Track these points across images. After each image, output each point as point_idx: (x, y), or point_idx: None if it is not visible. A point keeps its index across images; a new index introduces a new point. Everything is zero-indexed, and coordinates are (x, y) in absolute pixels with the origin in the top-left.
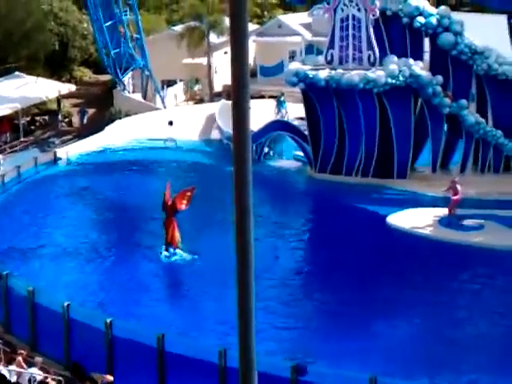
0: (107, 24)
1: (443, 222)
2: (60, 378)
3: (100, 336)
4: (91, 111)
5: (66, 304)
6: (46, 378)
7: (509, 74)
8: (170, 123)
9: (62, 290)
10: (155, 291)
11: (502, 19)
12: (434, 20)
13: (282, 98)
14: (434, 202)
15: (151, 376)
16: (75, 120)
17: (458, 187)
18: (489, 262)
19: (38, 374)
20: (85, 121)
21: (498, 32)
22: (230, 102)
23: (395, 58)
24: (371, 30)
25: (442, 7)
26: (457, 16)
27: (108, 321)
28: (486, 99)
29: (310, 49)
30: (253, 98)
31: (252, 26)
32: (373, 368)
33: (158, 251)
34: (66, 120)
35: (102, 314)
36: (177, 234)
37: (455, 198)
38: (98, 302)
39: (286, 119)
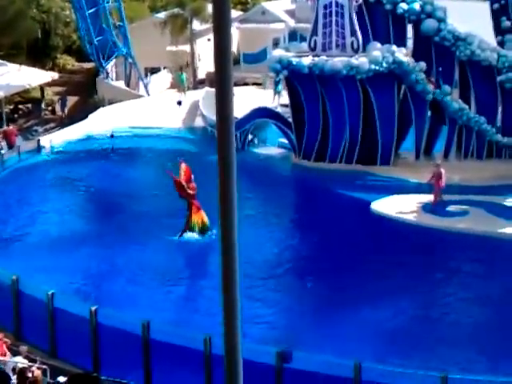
0: (90, 11)
1: (427, 208)
2: (45, 367)
3: (85, 324)
4: (74, 99)
5: (50, 293)
6: (31, 366)
7: (491, 59)
8: (179, 103)
9: (46, 279)
10: (142, 278)
11: (485, 5)
12: (417, 6)
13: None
14: (417, 188)
15: (137, 364)
16: (58, 108)
17: (442, 171)
18: (473, 248)
19: (22, 362)
20: (65, 109)
21: (481, 18)
22: (213, 90)
23: (378, 45)
24: (354, 16)
25: None
26: (440, 2)
27: (93, 309)
28: (469, 85)
29: (294, 35)
30: (236, 85)
31: (235, 13)
32: (358, 353)
33: (149, 237)
34: (50, 108)
35: (87, 302)
36: (193, 218)
37: (440, 183)
38: (84, 290)
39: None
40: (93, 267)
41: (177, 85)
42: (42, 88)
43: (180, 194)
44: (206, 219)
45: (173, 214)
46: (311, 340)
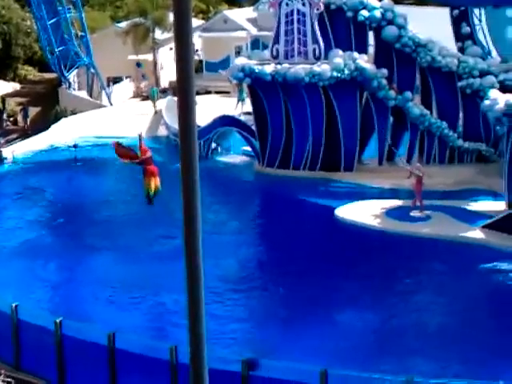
0: (51, 22)
1: (391, 213)
2: (9, 380)
3: (50, 336)
4: (36, 110)
5: (14, 305)
6: None
7: (452, 65)
8: (138, 65)
9: (9, 291)
10: (108, 289)
11: (445, 12)
12: (377, 13)
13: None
14: (380, 194)
15: (103, 375)
16: (20, 119)
17: (421, 173)
18: (436, 253)
19: None
20: (28, 120)
21: (441, 24)
22: (176, 98)
23: (340, 52)
24: (316, 24)
25: (386, 0)
26: (400, 9)
27: (57, 320)
28: (430, 91)
29: (256, 44)
30: (199, 93)
31: (197, 22)
32: (325, 360)
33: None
34: (11, 119)
35: (51, 314)
36: (145, 182)
37: (418, 185)
38: (47, 302)
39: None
40: (57, 278)
41: (150, 98)
42: (3, 99)
43: (132, 160)
44: (158, 185)
45: (138, 222)
46: (278, 347)
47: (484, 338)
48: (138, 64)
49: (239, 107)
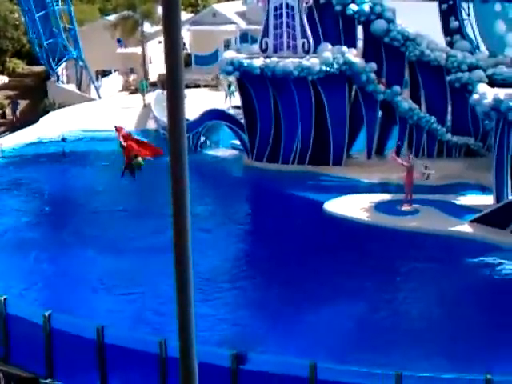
0: (39, 14)
1: (379, 207)
2: None
3: (38, 330)
4: (25, 103)
5: (2, 298)
6: None
7: (441, 60)
8: (119, 41)
9: None
10: (91, 284)
11: (433, 5)
12: (366, 7)
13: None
14: (369, 188)
15: (92, 369)
16: (9, 112)
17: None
18: (424, 247)
19: None
20: (17, 113)
21: (430, 19)
22: (165, 92)
23: (329, 46)
24: (305, 17)
25: None
26: (389, 3)
27: (46, 314)
28: (418, 85)
29: (245, 37)
30: (188, 87)
31: (186, 15)
32: (314, 353)
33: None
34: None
35: (39, 308)
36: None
37: (408, 178)
38: (36, 296)
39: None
40: (44, 272)
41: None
42: None
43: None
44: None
45: (126, 215)
46: (267, 341)
47: (472, 331)
48: (119, 40)
49: (228, 101)
